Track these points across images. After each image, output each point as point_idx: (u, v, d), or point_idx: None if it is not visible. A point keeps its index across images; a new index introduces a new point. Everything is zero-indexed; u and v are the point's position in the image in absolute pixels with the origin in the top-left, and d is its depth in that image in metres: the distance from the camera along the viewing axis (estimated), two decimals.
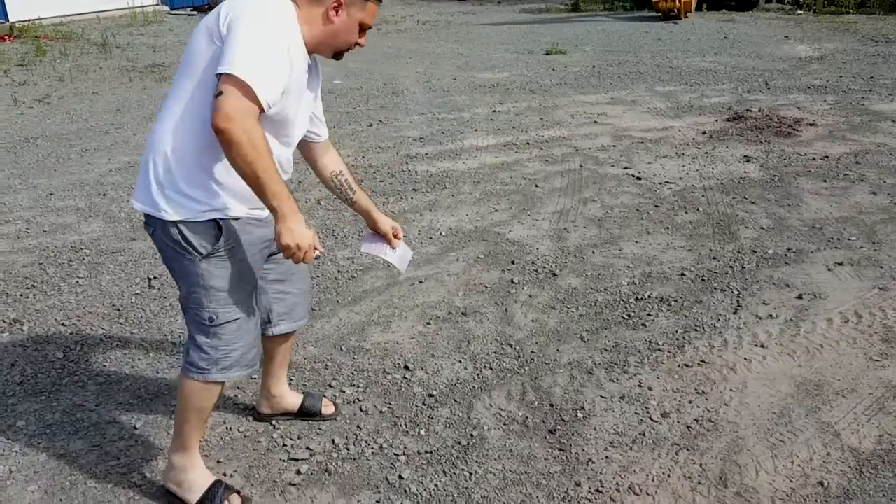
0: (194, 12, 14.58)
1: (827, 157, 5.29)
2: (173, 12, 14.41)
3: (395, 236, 2.38)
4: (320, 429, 2.55)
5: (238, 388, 2.77)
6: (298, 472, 2.35)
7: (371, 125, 6.39)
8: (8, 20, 12.29)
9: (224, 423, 2.59)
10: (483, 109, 6.87)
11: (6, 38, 11.58)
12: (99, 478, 2.32)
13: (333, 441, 2.49)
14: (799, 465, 2.34)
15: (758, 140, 5.71)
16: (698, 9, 13.30)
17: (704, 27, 11.71)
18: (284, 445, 2.47)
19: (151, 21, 13.37)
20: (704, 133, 5.95)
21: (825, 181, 4.82)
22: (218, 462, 2.40)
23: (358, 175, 5.10)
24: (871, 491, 2.23)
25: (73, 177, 5.25)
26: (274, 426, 2.57)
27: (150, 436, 2.52)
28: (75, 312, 3.37)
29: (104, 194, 4.89)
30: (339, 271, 3.74)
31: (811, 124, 6.10)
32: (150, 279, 3.67)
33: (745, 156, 5.34)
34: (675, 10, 12.34)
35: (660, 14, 12.62)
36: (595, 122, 6.40)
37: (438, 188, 4.86)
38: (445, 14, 14.58)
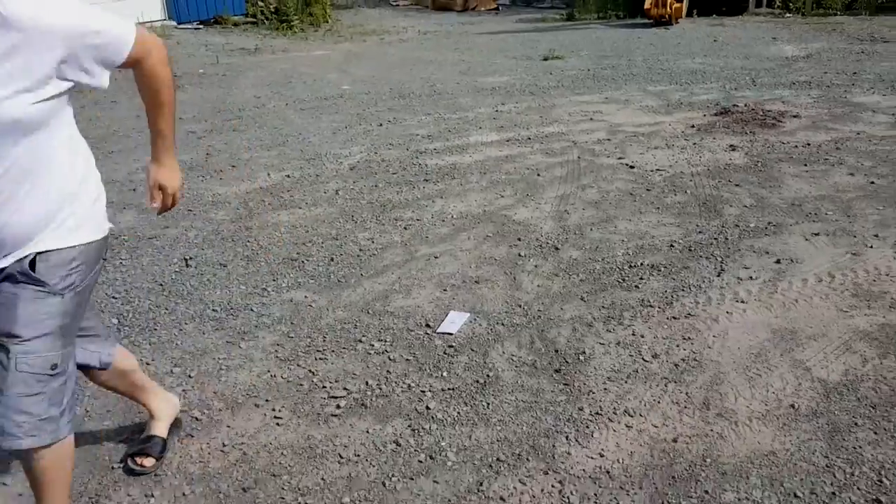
0: (200, 26, 14.99)
1: (808, 144, 5.66)
2: (180, 27, 14.83)
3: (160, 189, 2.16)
4: (354, 374, 2.90)
5: (279, 344, 3.12)
6: (338, 406, 2.70)
7: (381, 125, 6.77)
8: None
9: (268, 371, 2.94)
10: (486, 110, 7.25)
11: None
12: None
13: (367, 383, 2.84)
14: (773, 393, 2.69)
15: (743, 131, 6.09)
16: (689, 15, 13.72)
17: (695, 31, 12.13)
18: (324, 387, 2.83)
19: (159, 35, 13.77)
20: (693, 127, 6.32)
21: (806, 165, 5.19)
22: (266, 401, 2.75)
23: (371, 168, 5.47)
24: (836, 411, 2.58)
25: (103, 175, 5.58)
26: (313, 373, 2.92)
27: (204, 384, 2.87)
28: (122, 287, 3.72)
29: (134, 190, 5.25)
30: (360, 250, 4.09)
31: (795, 116, 6.48)
32: (186, 259, 4.03)
33: (730, 145, 5.72)
34: (667, 17, 12.76)
35: (652, 21, 13.05)
36: (591, 119, 6.77)
37: (448, 178, 5.22)
38: (445, 24, 15.01)
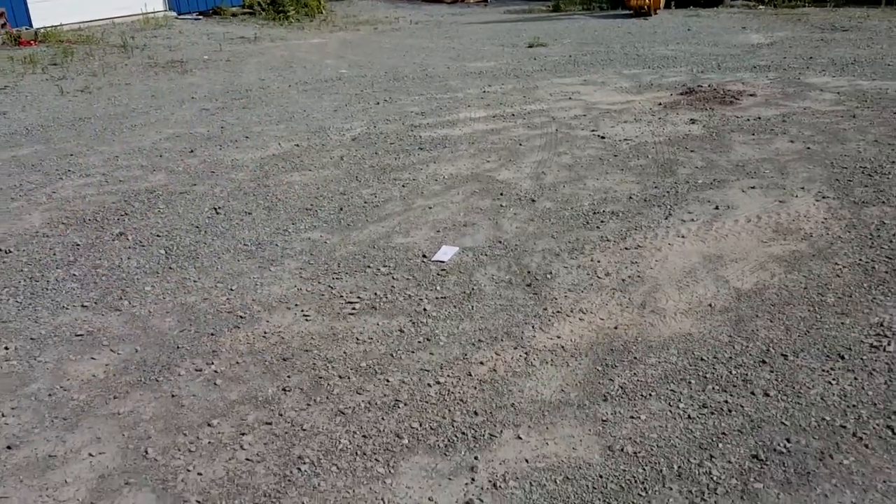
0: (200, 17, 15.59)
1: (759, 118, 6.38)
2: (181, 17, 15.42)
3: None
4: (365, 288, 3.60)
5: (302, 268, 3.81)
6: (354, 309, 3.39)
7: (378, 103, 7.44)
8: (32, 26, 13.26)
9: (295, 286, 3.63)
10: (474, 91, 7.93)
11: (32, 42, 12.55)
12: (220, 313, 3.35)
13: (376, 294, 3.53)
14: (696, 297, 3.40)
15: (703, 108, 6.80)
16: (667, 6, 14.42)
17: (671, 21, 12.84)
18: (341, 297, 3.52)
19: (162, 25, 14.36)
20: (660, 104, 7.03)
21: (753, 135, 5.90)
22: (296, 305, 3.44)
23: (371, 139, 6.15)
24: (743, 308, 3.29)
25: (130, 145, 6.27)
26: (332, 287, 3.61)
27: (243, 294, 3.56)
28: (164, 229, 4.40)
29: (160, 156, 5.91)
30: (364, 202, 4.78)
31: (751, 95, 7.19)
32: (216, 209, 4.70)
33: (691, 119, 6.43)
34: (646, 7, 13.46)
35: (632, 11, 13.74)
36: (570, 98, 7.46)
37: (440, 147, 5.91)
38: (436, 15, 15.65)
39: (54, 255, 4.11)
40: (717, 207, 4.44)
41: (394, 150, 5.84)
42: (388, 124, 6.64)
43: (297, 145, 6.05)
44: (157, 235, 4.31)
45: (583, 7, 15.43)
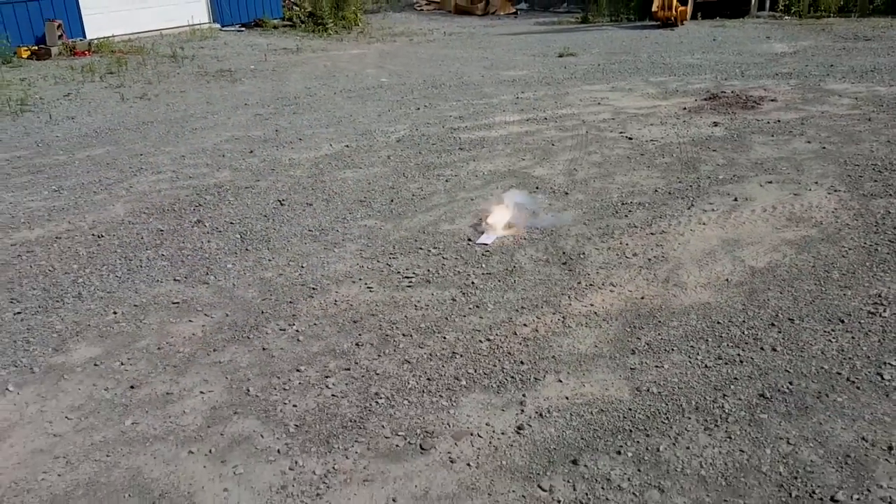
0: (242, 29, 16.30)
1: (779, 121, 6.77)
2: (224, 29, 16.14)
3: None
4: (419, 265, 4.07)
5: (361, 250, 4.30)
6: (410, 282, 3.87)
7: (418, 109, 7.96)
8: (86, 37, 14.05)
9: (357, 264, 4.12)
10: (508, 97, 8.42)
11: (86, 52, 13.31)
12: (294, 285, 3.86)
13: (428, 270, 4.01)
14: (714, 273, 3.83)
15: (726, 112, 7.20)
16: (693, 17, 14.80)
17: (697, 32, 13.23)
18: (398, 272, 4.00)
19: (207, 37, 15.07)
20: (685, 109, 7.45)
21: (772, 136, 6.30)
22: (360, 279, 3.93)
23: (414, 140, 6.66)
24: (756, 282, 3.71)
25: (194, 145, 6.85)
26: (389, 265, 4.09)
27: (313, 271, 4.06)
28: (236, 217, 4.93)
29: (223, 155, 6.47)
30: (412, 195, 5.27)
31: (772, 100, 7.58)
32: (280, 201, 5.22)
33: (714, 122, 6.84)
34: (672, 19, 13.86)
35: (659, 23, 14.15)
36: (599, 104, 7.91)
37: (478, 147, 6.39)
38: (468, 27, 16.20)
39: (142, 239, 4.66)
40: (735, 199, 4.85)
41: (436, 150, 6.34)
42: (430, 127, 7.14)
43: (347, 146, 6.57)
44: (231, 223, 4.83)
45: (611, 18, 15.87)
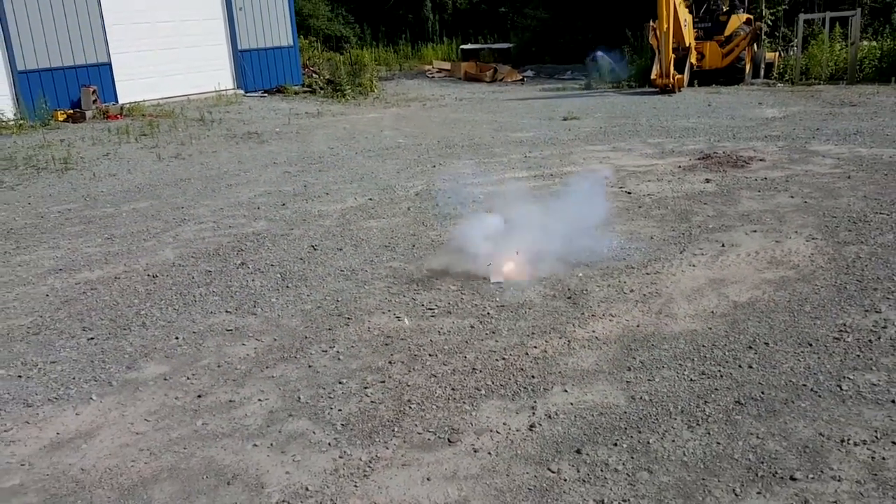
0: (265, 94, 17.27)
1: (766, 178, 7.38)
2: (248, 95, 17.10)
3: None
4: (440, 300, 4.62)
5: (388, 287, 4.86)
6: (433, 313, 4.41)
7: (434, 167, 8.63)
8: (118, 102, 14.99)
9: (385, 298, 4.67)
10: (517, 156, 9.10)
11: (118, 116, 14.20)
12: (332, 316, 4.40)
13: (449, 303, 4.55)
14: (702, 306, 4.36)
15: (718, 170, 7.83)
16: (690, 84, 15.65)
17: (693, 98, 14.03)
18: (422, 305, 4.55)
19: (232, 102, 16.01)
20: (680, 167, 8.08)
21: (759, 192, 6.90)
22: (389, 310, 4.47)
23: (431, 194, 7.28)
24: (738, 314, 4.23)
25: (230, 199, 7.49)
26: (414, 299, 4.64)
27: (349, 305, 4.61)
28: (276, 260, 5.51)
29: (258, 208, 7.10)
30: (432, 241, 5.83)
31: (761, 160, 8.21)
32: (313, 246, 5.81)
33: (706, 179, 7.46)
34: (670, 85, 14.69)
35: (658, 89, 14.98)
36: (600, 162, 8.56)
37: (490, 200, 7.00)
38: (478, 93, 17.12)
39: (192, 278, 5.23)
40: (723, 245, 5.41)
41: (451, 203, 6.95)
42: (445, 183, 7.78)
43: (370, 199, 7.20)
44: (271, 265, 5.41)
45: (612, 85, 16.76)
